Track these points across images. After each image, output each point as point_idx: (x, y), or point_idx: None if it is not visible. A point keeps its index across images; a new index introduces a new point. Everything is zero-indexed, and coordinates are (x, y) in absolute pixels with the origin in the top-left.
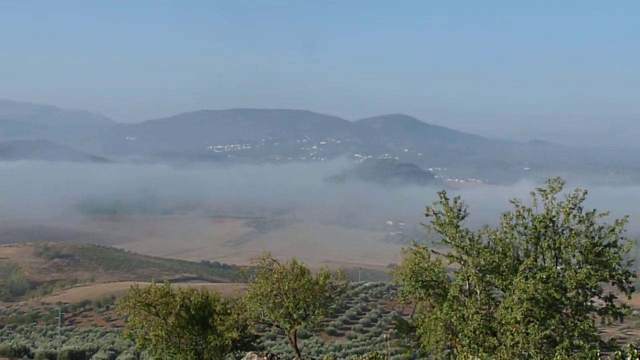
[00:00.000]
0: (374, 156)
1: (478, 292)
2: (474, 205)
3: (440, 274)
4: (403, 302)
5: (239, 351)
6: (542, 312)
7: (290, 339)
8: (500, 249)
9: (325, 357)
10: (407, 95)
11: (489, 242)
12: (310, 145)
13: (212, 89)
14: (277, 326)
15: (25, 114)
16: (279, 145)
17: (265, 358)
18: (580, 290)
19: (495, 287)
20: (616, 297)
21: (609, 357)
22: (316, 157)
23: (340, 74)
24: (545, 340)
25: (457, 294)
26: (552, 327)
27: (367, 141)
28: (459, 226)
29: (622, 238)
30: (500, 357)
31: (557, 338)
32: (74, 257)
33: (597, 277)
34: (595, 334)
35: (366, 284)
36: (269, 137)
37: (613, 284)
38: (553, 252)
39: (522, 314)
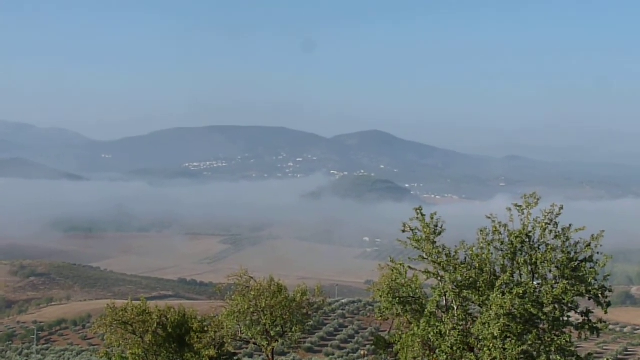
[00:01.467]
0: (350, 172)
1: (455, 308)
2: (450, 221)
3: (417, 290)
4: (380, 318)
5: None
6: (519, 327)
7: (268, 356)
8: (477, 265)
9: None
10: (383, 111)
11: (465, 258)
12: (287, 162)
13: (188, 106)
14: (255, 343)
15: None
16: (255, 162)
17: None
18: (557, 306)
19: (472, 302)
20: (592, 312)
21: None
22: (292, 173)
23: (316, 91)
24: (522, 356)
25: (434, 310)
26: (530, 343)
27: (344, 157)
28: (435, 242)
29: (598, 253)
30: None
31: (535, 353)
32: (50, 275)
33: (573, 292)
34: (572, 349)
35: (343, 301)
36: (244, 154)
37: (589, 298)
38: (529, 268)
39: (499, 330)
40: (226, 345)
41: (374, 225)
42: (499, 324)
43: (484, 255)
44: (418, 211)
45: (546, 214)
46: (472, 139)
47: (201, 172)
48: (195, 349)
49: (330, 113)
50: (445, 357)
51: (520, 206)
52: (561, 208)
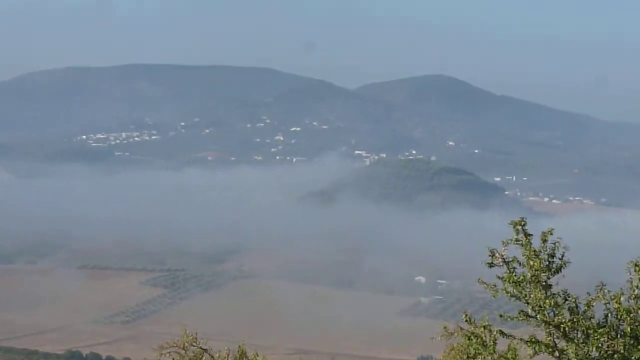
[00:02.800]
0: (392, 154)
1: None
2: (579, 244)
3: None
4: None
5: None
6: None
7: None
8: (628, 329)
9: None
10: (452, 43)
11: (606, 316)
12: (273, 134)
13: (92, 34)
14: None
15: None
16: (213, 132)
17: None
18: None
19: None
20: None
21: None
22: (283, 155)
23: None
24: None
25: None
26: None
27: (379, 126)
28: (551, 286)
29: None
30: None
31: None
32: None
33: None
34: None
35: None
36: (193, 118)
37: None
38: None
39: None
40: None
41: (435, 253)
42: None
43: None
44: (519, 227)
45: None
46: (621, 100)
47: (110, 151)
48: None
49: (353, 47)
50: None
51: None
52: None
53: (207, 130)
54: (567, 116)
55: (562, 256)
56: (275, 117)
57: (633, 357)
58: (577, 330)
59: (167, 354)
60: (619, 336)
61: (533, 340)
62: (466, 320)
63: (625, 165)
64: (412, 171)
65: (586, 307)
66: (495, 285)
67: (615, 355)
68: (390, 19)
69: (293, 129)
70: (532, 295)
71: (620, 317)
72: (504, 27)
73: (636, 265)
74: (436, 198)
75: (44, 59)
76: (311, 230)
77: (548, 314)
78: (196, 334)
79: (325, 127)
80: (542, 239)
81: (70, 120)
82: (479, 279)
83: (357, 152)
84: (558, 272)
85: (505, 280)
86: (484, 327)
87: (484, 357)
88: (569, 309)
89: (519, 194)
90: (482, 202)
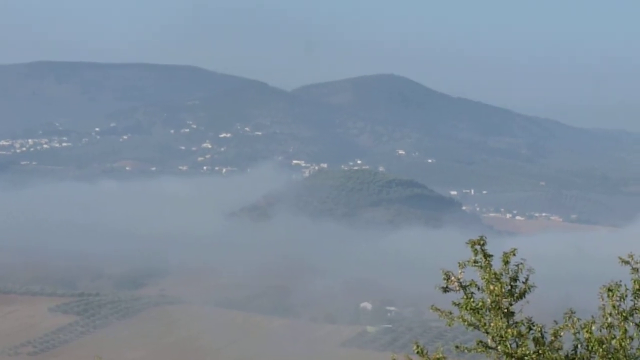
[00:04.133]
0: (335, 164)
1: None
2: (545, 266)
3: None
4: None
5: None
6: None
7: None
8: None
9: None
10: (404, 39)
11: (575, 347)
12: (199, 141)
13: None
14: None
15: None
16: (132, 139)
17: None
18: None
19: None
20: None
21: None
22: (210, 164)
23: None
24: None
25: None
26: None
27: (321, 132)
28: (513, 313)
29: None
30: None
31: None
32: None
33: None
34: None
35: None
36: (109, 123)
37: None
38: None
39: None
40: None
41: (382, 277)
42: None
43: (614, 342)
44: (477, 247)
45: None
46: (591, 105)
47: (15, 160)
48: None
49: (288, 42)
50: None
51: None
52: None
53: (124, 137)
54: (532, 121)
55: (526, 280)
56: (201, 121)
57: None
58: None
59: None
60: None
61: None
62: (418, 352)
63: (598, 177)
64: (357, 183)
65: (553, 337)
66: (450, 313)
67: None
68: (335, 12)
69: (222, 135)
70: (492, 324)
71: (592, 348)
72: (461, 22)
73: (609, 290)
74: (384, 214)
75: None
76: (242, 251)
77: (510, 344)
78: None
79: (259, 133)
80: (503, 260)
81: None
82: (432, 305)
83: (294, 161)
84: (521, 298)
85: (462, 307)
86: (438, 359)
87: None
88: (533, 340)
89: (477, 209)
90: (437, 219)
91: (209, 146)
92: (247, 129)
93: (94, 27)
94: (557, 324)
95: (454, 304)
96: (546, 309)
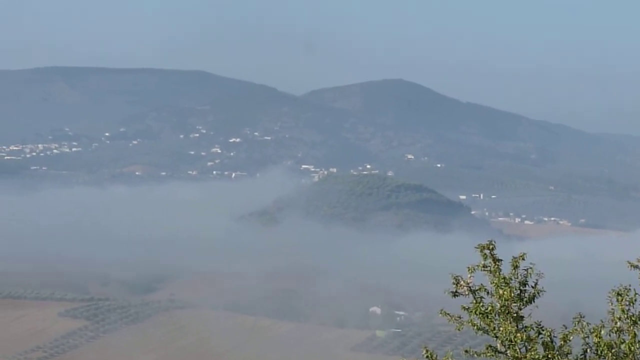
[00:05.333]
0: (344, 169)
1: None
2: (554, 270)
3: None
4: None
5: None
6: None
7: None
8: None
9: None
10: (411, 45)
11: (585, 352)
12: (209, 145)
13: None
14: None
15: None
16: (142, 144)
17: None
18: None
19: None
20: None
21: None
22: (220, 169)
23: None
24: None
25: None
26: None
27: (329, 137)
28: (523, 317)
29: None
30: None
31: None
32: None
33: None
34: None
35: None
36: (119, 128)
37: None
38: None
39: None
40: None
41: (392, 281)
42: None
43: (624, 346)
44: (486, 252)
45: None
46: (600, 109)
47: (25, 165)
48: None
49: (299, 47)
50: None
51: None
52: None
53: (134, 142)
54: (541, 126)
55: (536, 284)
56: (211, 126)
57: None
58: None
59: None
60: None
61: None
62: (427, 357)
63: (606, 182)
64: (366, 188)
65: (562, 342)
66: (459, 317)
67: None
68: (345, 19)
69: (232, 140)
70: (501, 328)
71: (601, 352)
72: (469, 28)
73: (618, 294)
74: (393, 218)
75: None
76: (252, 255)
77: (519, 349)
78: None
79: (268, 138)
80: (512, 264)
81: None
82: (442, 309)
83: (304, 166)
84: (531, 302)
85: (471, 311)
86: None
87: None
88: (543, 344)
89: (487, 213)
90: (446, 223)
91: (219, 151)
92: (256, 133)
93: (104, 33)
94: (566, 328)
95: (464, 308)
96: (555, 314)
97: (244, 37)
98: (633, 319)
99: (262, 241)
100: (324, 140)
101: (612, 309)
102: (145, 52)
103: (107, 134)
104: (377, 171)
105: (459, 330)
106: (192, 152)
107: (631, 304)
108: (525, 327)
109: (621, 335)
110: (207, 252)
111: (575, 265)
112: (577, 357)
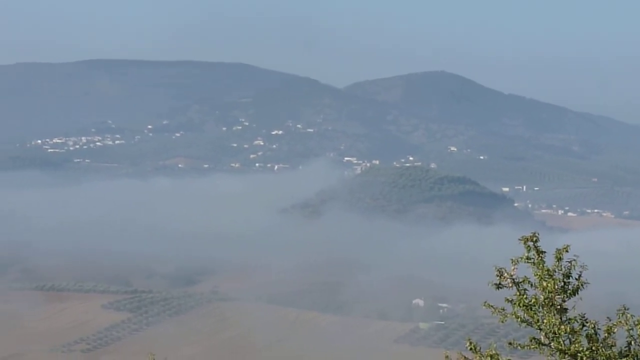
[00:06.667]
0: (387, 161)
1: None
2: (598, 263)
3: None
4: None
5: None
6: None
7: None
8: None
9: None
10: (456, 38)
11: (629, 344)
12: (251, 138)
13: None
14: None
15: None
16: (184, 136)
17: None
18: None
19: None
20: None
21: None
22: (262, 161)
23: None
24: None
25: None
26: None
27: (371, 129)
28: (566, 310)
29: None
30: None
31: None
32: None
33: None
34: None
35: None
36: (162, 121)
37: None
38: None
39: None
40: None
41: (435, 273)
42: None
43: None
44: (530, 244)
45: None
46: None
47: (68, 158)
48: None
49: (345, 36)
50: None
51: None
52: None
53: (176, 134)
54: (585, 118)
55: (579, 276)
56: (253, 119)
57: None
58: None
59: None
60: None
61: None
62: (471, 349)
63: None
64: (409, 180)
65: (606, 334)
66: (503, 309)
67: None
68: (386, 11)
69: (274, 132)
70: (545, 321)
71: None
72: (512, 21)
73: None
74: (436, 211)
75: None
76: (294, 248)
77: (563, 341)
78: None
79: (311, 130)
80: (556, 256)
81: (23, 123)
82: (485, 302)
83: (346, 158)
84: (575, 295)
85: (514, 304)
86: (491, 356)
87: None
88: (587, 336)
89: (530, 205)
90: (489, 215)
91: (261, 143)
92: (299, 126)
93: (145, 26)
94: (610, 320)
95: (507, 300)
96: (599, 306)
97: (287, 29)
98: None
99: (305, 234)
100: (367, 132)
101: None
102: (186, 45)
103: (149, 127)
104: (419, 163)
105: (502, 322)
106: (235, 145)
107: None
108: (569, 319)
109: None
110: (249, 245)
111: (618, 257)
112: (621, 350)
